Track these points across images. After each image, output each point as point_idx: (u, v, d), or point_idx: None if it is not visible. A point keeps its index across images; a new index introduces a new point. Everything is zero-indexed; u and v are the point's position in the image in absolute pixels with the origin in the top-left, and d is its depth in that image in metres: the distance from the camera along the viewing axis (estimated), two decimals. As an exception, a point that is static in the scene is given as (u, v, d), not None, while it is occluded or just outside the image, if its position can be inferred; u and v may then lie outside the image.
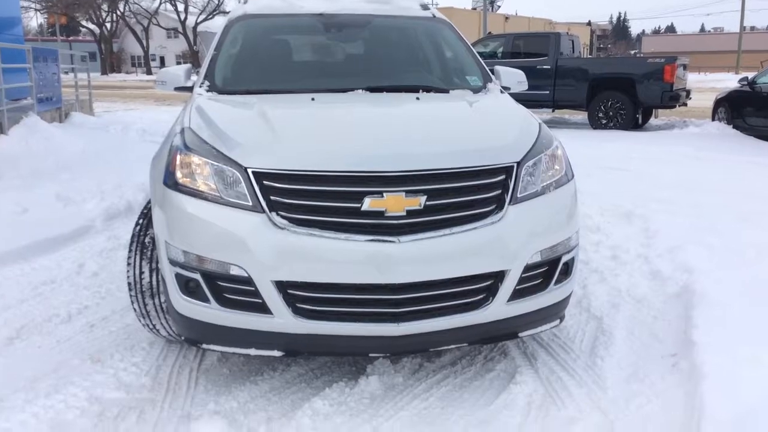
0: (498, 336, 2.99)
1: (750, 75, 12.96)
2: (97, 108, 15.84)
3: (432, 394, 2.96)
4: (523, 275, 2.83)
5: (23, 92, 10.65)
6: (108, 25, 66.21)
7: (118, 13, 63.84)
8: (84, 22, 66.75)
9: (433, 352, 3.24)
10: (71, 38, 68.11)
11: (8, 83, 9.21)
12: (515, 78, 4.23)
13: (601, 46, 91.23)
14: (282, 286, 2.65)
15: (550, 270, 2.97)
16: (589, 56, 40.09)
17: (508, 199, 2.82)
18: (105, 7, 62.71)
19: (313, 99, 3.49)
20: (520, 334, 3.01)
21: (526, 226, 2.84)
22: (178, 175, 2.85)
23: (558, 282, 3.00)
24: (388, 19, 4.46)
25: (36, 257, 4.87)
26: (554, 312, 3.07)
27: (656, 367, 3.15)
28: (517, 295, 2.84)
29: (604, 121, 13.86)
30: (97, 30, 65.26)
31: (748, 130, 11.96)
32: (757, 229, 5.24)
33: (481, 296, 2.79)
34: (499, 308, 2.81)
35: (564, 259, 3.00)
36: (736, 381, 2.76)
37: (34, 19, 67.34)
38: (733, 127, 12.34)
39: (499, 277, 2.79)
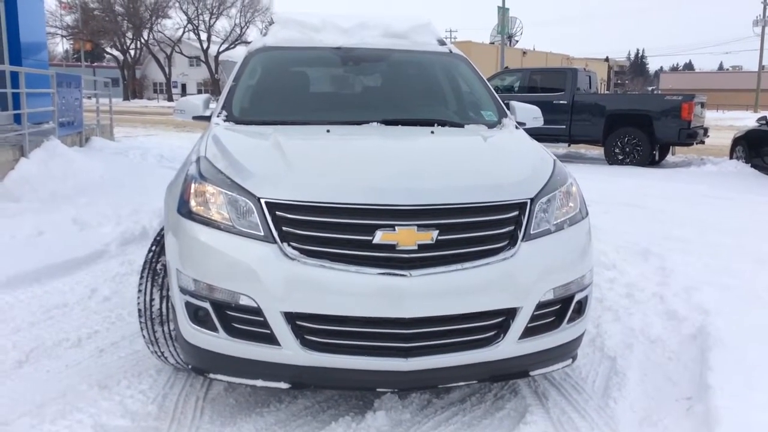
0: (508, 374, 2.95)
1: (769, 114, 12.90)
2: (118, 133, 16.06)
3: (440, 431, 2.90)
4: (536, 313, 2.80)
5: (45, 116, 10.83)
6: (132, 52, 67.55)
7: (142, 40, 65.18)
8: (108, 49, 68.19)
9: (442, 389, 3.20)
10: (95, 64, 69.50)
11: (32, 107, 9.38)
12: (530, 114, 4.24)
13: (619, 82, 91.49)
14: (291, 318, 2.64)
15: (563, 308, 2.93)
16: (606, 92, 40.20)
17: (521, 236, 2.80)
18: (129, 34, 64.08)
19: (328, 131, 3.52)
20: (531, 373, 2.96)
21: (539, 263, 2.81)
22: (192, 203, 2.86)
23: (571, 320, 2.96)
24: (405, 53, 4.50)
25: (49, 280, 4.89)
26: (566, 351, 3.02)
27: (670, 411, 3.08)
28: (529, 333, 2.80)
29: (620, 157, 13.82)
30: (120, 56, 66.60)
31: (766, 169, 11.87)
32: (775, 270, 5.16)
33: (492, 333, 2.76)
34: (510, 346, 2.77)
35: (577, 297, 2.96)
36: (751, 428, 2.69)
37: (60, 45, 68.82)
38: (752, 166, 12.26)
39: (510, 314, 2.75)
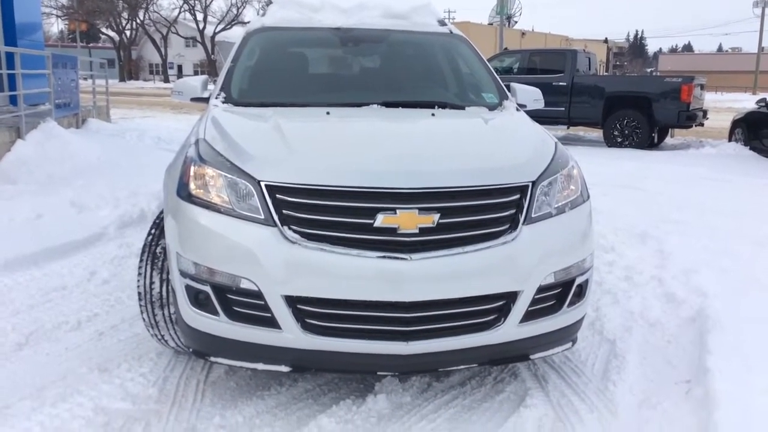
0: (509, 358, 2.95)
1: (768, 96, 12.87)
2: (114, 115, 15.96)
3: (440, 415, 2.91)
4: (536, 296, 2.80)
5: (41, 97, 10.75)
6: (127, 33, 67.04)
7: (138, 21, 64.65)
8: (104, 30, 67.58)
9: (442, 372, 3.20)
10: (91, 45, 68.95)
11: (27, 88, 9.31)
12: (531, 96, 4.21)
13: (618, 63, 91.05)
14: (291, 301, 2.63)
15: (563, 292, 2.93)
16: (605, 74, 40.01)
17: (522, 219, 2.79)
18: (125, 15, 63.51)
19: (328, 113, 3.49)
20: (532, 357, 2.96)
21: (540, 246, 2.80)
22: (192, 186, 2.84)
23: (571, 304, 2.96)
24: (405, 34, 4.46)
25: (48, 263, 4.88)
26: (567, 334, 3.03)
27: (669, 394, 3.09)
28: (530, 316, 2.80)
29: (619, 140, 13.79)
30: (116, 37, 66.07)
31: (765, 152, 11.86)
32: (774, 253, 5.17)
33: (493, 317, 2.76)
34: (511, 329, 2.77)
35: (578, 281, 2.96)
36: (750, 411, 2.71)
37: (55, 26, 68.28)
38: (750, 149, 12.25)
39: (511, 297, 2.75)
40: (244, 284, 2.66)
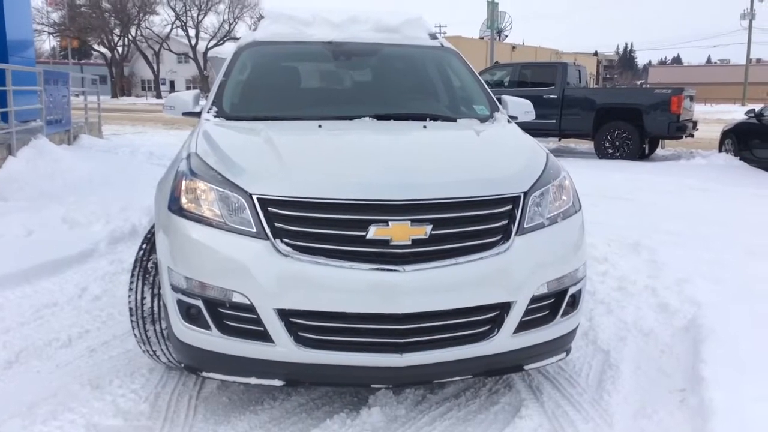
0: (503, 368, 2.94)
1: (757, 107, 12.96)
2: (106, 131, 15.94)
3: (435, 427, 2.90)
4: (530, 307, 2.79)
5: (33, 114, 10.73)
6: (119, 49, 67.09)
7: (130, 37, 64.73)
8: (96, 46, 67.67)
9: (436, 384, 3.19)
10: (83, 61, 69.02)
11: (19, 105, 9.29)
12: (522, 108, 4.23)
13: (608, 76, 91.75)
14: (284, 314, 2.62)
15: (556, 302, 2.93)
16: (595, 86, 40.30)
17: (514, 230, 2.79)
18: (117, 31, 63.61)
19: (320, 126, 3.50)
20: (526, 367, 2.96)
21: (533, 257, 2.80)
22: (183, 200, 2.84)
23: (565, 314, 2.96)
24: (397, 48, 4.48)
25: (39, 280, 4.84)
26: (560, 345, 3.02)
27: (664, 403, 3.09)
28: (523, 327, 2.80)
29: (610, 151, 13.85)
30: (108, 54, 66.12)
31: (755, 162, 11.93)
32: (765, 262, 5.20)
33: (487, 328, 2.75)
34: (505, 340, 2.77)
35: (571, 291, 2.96)
36: (745, 419, 2.70)
37: (47, 43, 68.17)
38: (740, 159, 12.32)
39: (504, 308, 2.75)
40: (236, 298, 2.64)
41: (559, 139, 15.41)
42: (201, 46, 64.73)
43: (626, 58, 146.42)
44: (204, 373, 2.84)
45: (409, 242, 2.62)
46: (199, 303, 2.71)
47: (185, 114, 4.02)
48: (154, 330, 3.14)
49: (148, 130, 20.53)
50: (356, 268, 2.60)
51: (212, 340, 2.72)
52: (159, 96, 61.46)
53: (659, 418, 2.95)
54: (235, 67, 4.16)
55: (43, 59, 60.09)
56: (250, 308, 2.63)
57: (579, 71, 15.75)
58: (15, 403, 3.04)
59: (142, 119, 26.65)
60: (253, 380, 2.76)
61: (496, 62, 21.22)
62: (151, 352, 3.23)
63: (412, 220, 2.63)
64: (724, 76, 74.47)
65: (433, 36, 4.72)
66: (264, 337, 2.64)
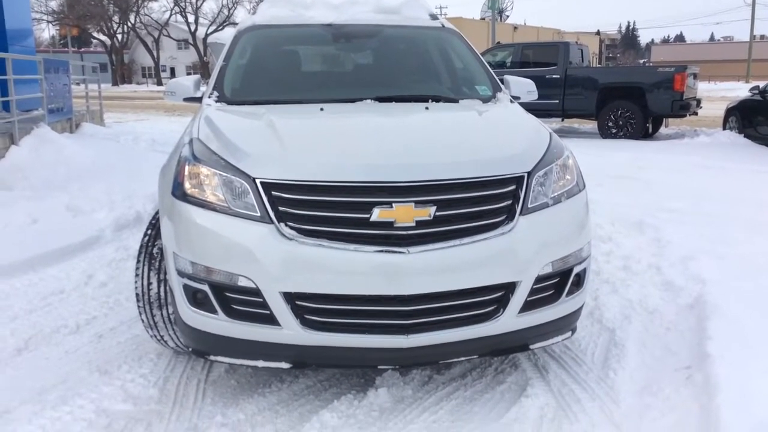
0: (509, 348, 2.95)
1: (761, 84, 12.87)
2: (108, 118, 15.93)
3: (442, 407, 2.92)
4: (535, 287, 2.80)
5: (34, 103, 10.72)
6: (119, 37, 66.77)
7: (129, 24, 64.42)
8: (95, 34, 67.34)
9: (442, 365, 3.20)
10: (82, 49, 68.66)
11: (20, 94, 9.27)
12: (525, 87, 4.21)
13: (610, 55, 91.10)
14: (290, 298, 2.63)
15: (561, 281, 2.93)
16: (598, 65, 40.05)
17: (518, 210, 2.79)
18: (116, 18, 63.30)
19: (322, 109, 3.48)
20: (531, 347, 2.97)
21: (538, 236, 2.80)
22: (187, 185, 2.84)
23: (570, 293, 2.96)
24: (397, 29, 4.45)
25: (45, 267, 4.87)
26: (566, 324, 3.03)
27: (670, 380, 3.10)
28: (529, 306, 2.81)
29: (613, 131, 13.79)
30: (108, 41, 65.82)
31: (760, 139, 11.87)
32: (770, 239, 5.18)
33: (492, 308, 2.76)
34: (510, 320, 2.77)
35: (576, 270, 2.96)
36: (751, 395, 2.70)
37: (46, 31, 68.08)
38: (744, 136, 12.25)
39: (510, 288, 2.75)
40: (242, 282, 2.65)
41: (562, 120, 15.34)
42: (200, 32, 64.32)
43: (629, 36, 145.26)
44: (211, 357, 2.86)
45: (413, 224, 2.62)
46: (206, 287, 2.72)
47: (186, 99, 4.00)
48: (161, 315, 3.16)
49: (150, 117, 20.50)
50: (361, 250, 2.60)
51: (219, 324, 2.74)
52: (160, 83, 61.27)
53: (665, 395, 2.96)
54: (235, 52, 4.14)
55: (43, 48, 60.01)
56: (256, 292, 2.64)
57: (581, 51, 15.64)
58: (25, 390, 3.07)
59: (144, 106, 26.60)
60: (260, 363, 2.78)
61: (498, 43, 21.05)
62: (159, 337, 3.26)
63: (416, 202, 2.63)
64: (728, 53, 73.82)
65: (433, 17, 4.69)
66: (270, 320, 2.66)
